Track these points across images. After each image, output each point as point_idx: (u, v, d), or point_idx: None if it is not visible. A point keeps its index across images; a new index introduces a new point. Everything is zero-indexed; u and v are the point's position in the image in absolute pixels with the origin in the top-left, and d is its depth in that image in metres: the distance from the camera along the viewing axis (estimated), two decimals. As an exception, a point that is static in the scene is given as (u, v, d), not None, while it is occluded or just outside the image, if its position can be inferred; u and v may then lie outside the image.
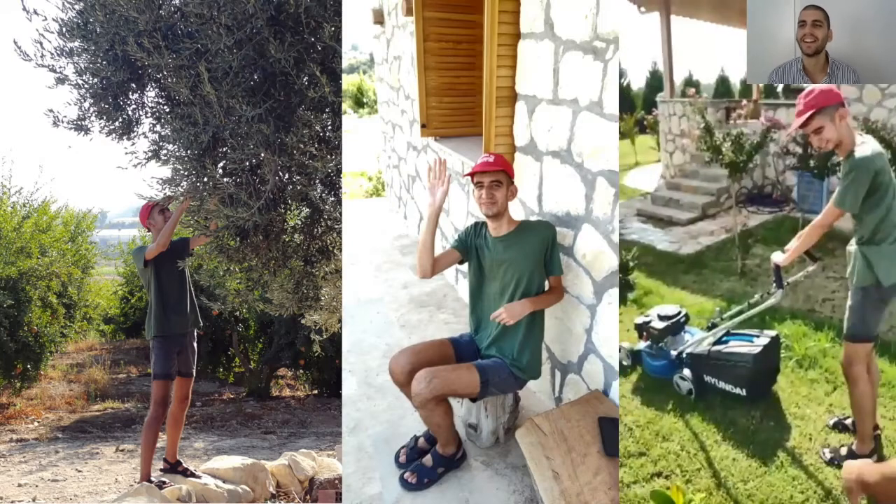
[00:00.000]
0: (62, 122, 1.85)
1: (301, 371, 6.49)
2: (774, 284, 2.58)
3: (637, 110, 15.14)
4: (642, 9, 7.63)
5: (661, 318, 3.09)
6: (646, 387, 3.07)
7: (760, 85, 8.54)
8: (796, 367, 3.05)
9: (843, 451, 2.38)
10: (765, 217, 5.95)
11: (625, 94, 17.57)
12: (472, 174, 2.46)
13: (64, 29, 1.74)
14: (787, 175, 6.31)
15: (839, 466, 2.32)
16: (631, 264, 4.35)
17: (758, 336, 2.89)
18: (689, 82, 14.94)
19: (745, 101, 7.08)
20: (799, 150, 5.17)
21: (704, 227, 5.95)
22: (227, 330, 6.51)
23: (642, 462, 2.49)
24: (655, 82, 16.59)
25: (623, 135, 12.02)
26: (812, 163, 5.04)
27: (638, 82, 18.46)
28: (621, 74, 17.95)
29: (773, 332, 2.92)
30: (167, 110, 1.91)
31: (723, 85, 16.47)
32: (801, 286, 3.91)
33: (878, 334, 2.31)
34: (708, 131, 4.57)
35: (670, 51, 7.83)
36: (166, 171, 1.88)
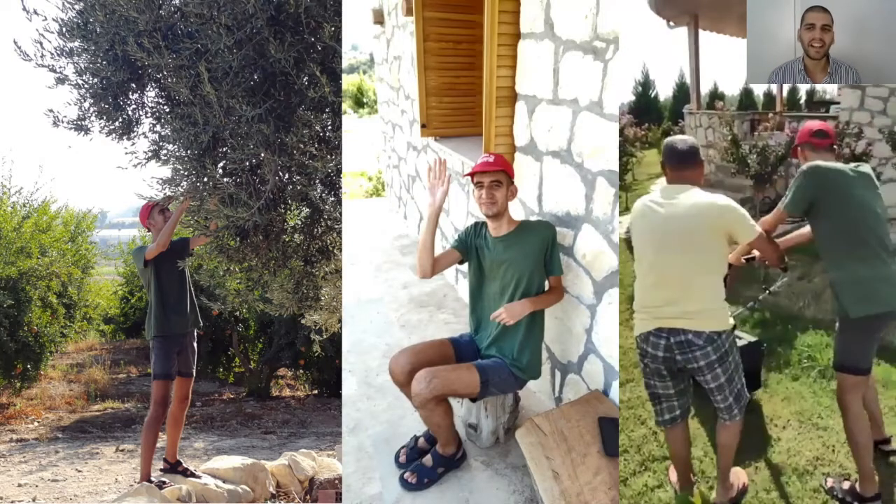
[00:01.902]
0: (62, 122, 1.85)
1: (301, 371, 6.48)
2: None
3: (664, 121, 15.20)
4: (671, 23, 7.80)
5: None
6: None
7: (784, 97, 8.62)
8: (819, 378, 3.02)
9: (846, 485, 2.23)
10: (786, 227, 5.94)
11: (652, 104, 17.70)
12: (472, 174, 2.46)
13: (64, 29, 1.74)
14: None
15: (837, 499, 2.22)
16: None
17: (739, 339, 2.81)
18: (715, 94, 15.02)
19: (770, 114, 7.11)
20: None
21: (727, 237, 6.01)
22: (227, 330, 6.50)
23: (666, 465, 2.48)
24: (682, 94, 16.69)
25: (650, 145, 12.11)
26: None
27: (665, 93, 18.71)
28: (650, 86, 17.83)
29: (755, 339, 2.91)
30: (167, 110, 1.90)
31: (747, 97, 16.58)
32: (824, 296, 3.93)
33: (871, 365, 2.13)
34: (734, 143, 4.59)
35: (697, 64, 8.02)
36: (166, 171, 1.88)
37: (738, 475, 2.33)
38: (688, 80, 9.49)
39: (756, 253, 2.32)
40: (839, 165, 2.08)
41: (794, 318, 3.68)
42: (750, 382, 2.66)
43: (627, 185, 9.05)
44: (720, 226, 1.94)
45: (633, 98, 18.14)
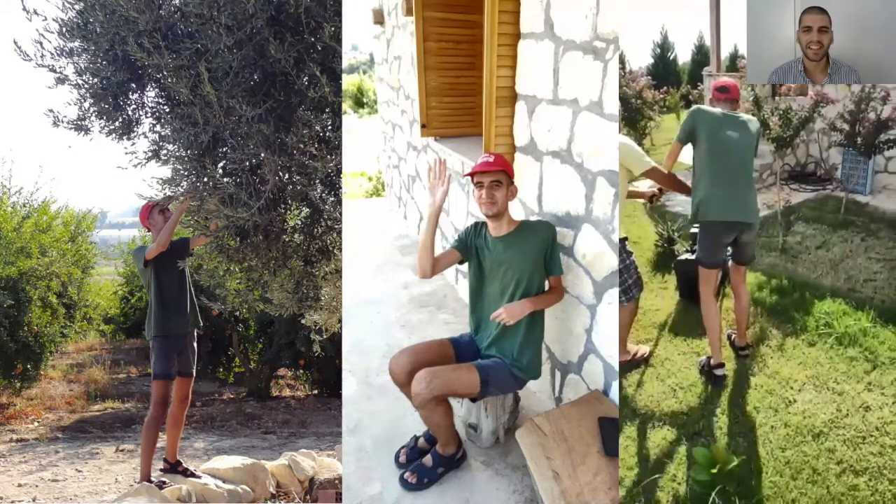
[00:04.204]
0: (62, 122, 1.85)
1: (301, 371, 6.48)
2: None
3: (683, 85, 14.89)
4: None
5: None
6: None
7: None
8: (836, 345, 3.09)
9: (703, 360, 2.97)
10: (807, 195, 5.92)
11: (670, 68, 17.34)
12: (471, 174, 2.46)
13: (64, 29, 1.74)
14: (832, 153, 6.20)
15: (700, 371, 2.96)
16: (676, 236, 4.39)
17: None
18: (736, 56, 14.62)
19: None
20: (846, 126, 5.03)
21: (747, 203, 5.95)
22: (227, 330, 6.50)
23: (684, 421, 2.61)
24: (701, 57, 16.33)
25: (669, 109, 11.86)
26: (859, 140, 4.88)
27: (684, 56, 18.29)
28: (668, 48, 17.48)
29: (692, 257, 3.47)
30: (167, 110, 1.91)
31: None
32: (842, 265, 4.07)
33: (718, 263, 2.87)
34: (756, 104, 4.52)
35: (718, 24, 7.66)
36: (166, 171, 1.88)
37: (640, 348, 3.16)
38: (707, 41, 9.24)
39: (654, 191, 2.99)
40: (715, 110, 2.77)
41: (812, 286, 3.78)
42: (690, 289, 3.48)
43: (646, 151, 8.94)
44: (620, 161, 2.41)
45: (651, 61, 17.75)
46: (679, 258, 3.85)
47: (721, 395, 2.81)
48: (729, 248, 2.94)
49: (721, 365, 2.88)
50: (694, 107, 2.80)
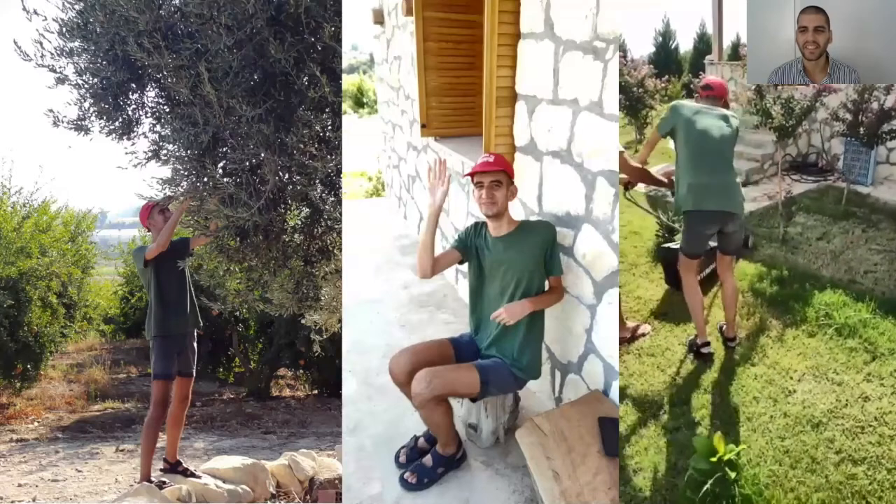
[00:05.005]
0: (62, 122, 1.85)
1: (301, 371, 6.48)
2: None
3: (684, 73, 14.82)
4: (692, -30, 7.62)
5: None
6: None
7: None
8: (835, 335, 3.10)
9: (692, 338, 3.09)
10: (808, 186, 5.90)
11: (672, 56, 16.95)
12: (471, 174, 2.46)
13: (64, 29, 1.74)
14: (834, 143, 6.18)
15: (690, 349, 3.05)
16: (677, 226, 4.39)
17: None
18: (738, 45, 14.57)
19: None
20: (849, 116, 4.98)
21: (748, 193, 5.79)
22: (227, 330, 6.50)
23: (683, 410, 2.64)
24: (703, 45, 16.23)
25: (670, 98, 11.86)
26: (861, 130, 4.88)
27: (686, 45, 17.87)
28: (670, 36, 17.22)
29: (676, 245, 3.40)
30: (167, 110, 1.91)
31: (772, 48, 16.05)
32: (842, 257, 4.09)
33: (699, 253, 2.94)
34: (759, 93, 4.52)
35: (720, 12, 7.59)
36: (166, 171, 1.89)
37: (642, 327, 3.28)
38: (709, 30, 9.09)
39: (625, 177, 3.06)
40: (693, 104, 2.89)
41: (812, 277, 3.79)
42: (673, 277, 3.50)
43: (647, 140, 8.87)
44: None
45: (653, 49, 17.62)
46: (662, 246, 3.87)
47: (720, 384, 2.83)
48: (715, 240, 2.98)
49: (707, 343, 2.98)
50: (673, 102, 2.91)
